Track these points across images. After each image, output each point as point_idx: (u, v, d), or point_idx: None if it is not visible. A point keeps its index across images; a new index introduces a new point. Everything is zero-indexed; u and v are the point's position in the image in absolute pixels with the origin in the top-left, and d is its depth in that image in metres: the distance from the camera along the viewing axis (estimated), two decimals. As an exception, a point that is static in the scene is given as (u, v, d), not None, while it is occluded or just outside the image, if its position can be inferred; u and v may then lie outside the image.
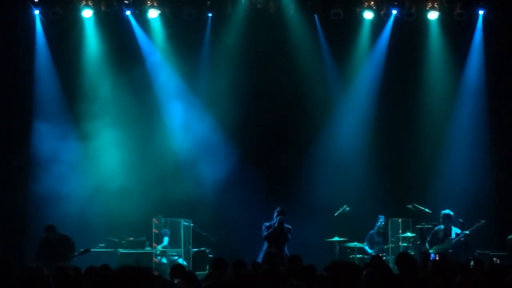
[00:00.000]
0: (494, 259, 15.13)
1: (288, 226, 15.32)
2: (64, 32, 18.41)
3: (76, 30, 18.41)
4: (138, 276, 5.44)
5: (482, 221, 16.26)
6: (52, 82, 18.41)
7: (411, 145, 18.86)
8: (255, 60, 18.46)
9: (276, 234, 15.08)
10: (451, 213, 16.38)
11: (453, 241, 16.12)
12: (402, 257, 9.25)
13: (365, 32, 18.96)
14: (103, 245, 17.04)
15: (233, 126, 18.32)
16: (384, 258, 15.50)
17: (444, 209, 16.60)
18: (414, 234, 16.95)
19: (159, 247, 16.97)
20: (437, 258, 14.71)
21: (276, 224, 15.15)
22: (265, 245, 15.19)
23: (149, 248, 17.05)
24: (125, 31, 18.50)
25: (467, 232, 16.07)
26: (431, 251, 15.71)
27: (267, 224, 15.33)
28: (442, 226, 16.45)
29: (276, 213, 15.28)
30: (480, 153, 18.64)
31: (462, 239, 16.08)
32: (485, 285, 6.98)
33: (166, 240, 17.07)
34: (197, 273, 12.85)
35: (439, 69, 19.00)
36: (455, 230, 16.34)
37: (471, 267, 10.55)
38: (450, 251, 16.03)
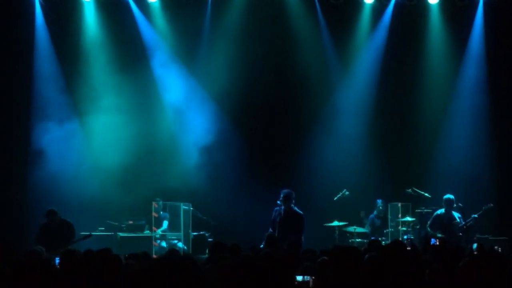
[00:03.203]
0: (496, 247, 15.05)
1: (299, 211, 14.61)
2: (64, 16, 18.34)
3: (75, 13, 18.35)
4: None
5: (490, 204, 16.21)
6: (51, 65, 18.34)
7: (411, 129, 18.86)
8: (254, 43, 18.38)
9: (282, 223, 14.49)
10: (453, 197, 16.29)
11: (460, 225, 16.03)
12: (395, 244, 9.23)
13: (366, 16, 18.89)
14: (102, 228, 17.04)
15: (233, 109, 18.29)
16: (383, 242, 15.49)
17: (444, 193, 16.56)
18: (413, 219, 16.95)
19: (159, 231, 16.97)
20: (437, 243, 14.66)
21: (282, 214, 14.58)
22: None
23: (148, 231, 17.05)
24: (124, 14, 18.43)
25: (475, 215, 16.01)
26: (438, 235, 15.62)
27: (277, 208, 14.77)
28: (443, 210, 16.36)
29: (281, 200, 14.61)
30: (481, 137, 18.62)
31: (471, 222, 16.00)
32: (490, 270, 6.97)
33: (165, 223, 17.07)
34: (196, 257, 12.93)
35: (439, 54, 18.94)
36: (456, 215, 16.28)
37: (474, 251, 10.53)
38: (460, 234, 15.97)
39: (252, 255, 10.08)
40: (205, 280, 6.93)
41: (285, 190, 14.70)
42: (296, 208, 14.67)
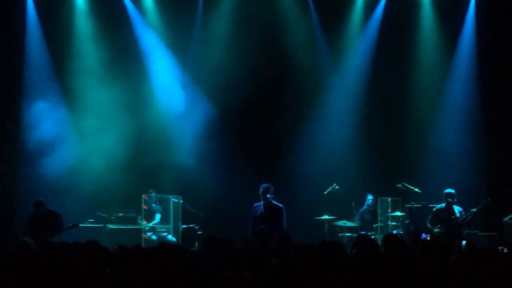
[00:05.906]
0: (500, 247, 14.88)
1: (279, 204, 14.56)
2: (55, 8, 18.26)
3: (67, 4, 18.30)
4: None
5: (488, 199, 16.07)
6: (42, 57, 18.28)
7: (402, 124, 18.90)
8: (246, 37, 18.32)
9: (263, 218, 14.38)
10: (453, 191, 15.98)
11: (460, 219, 15.82)
12: (388, 238, 9.23)
13: (358, 9, 18.93)
14: (92, 220, 17.00)
15: (223, 102, 18.24)
16: (372, 237, 15.50)
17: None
18: (403, 213, 16.95)
19: (150, 224, 16.90)
20: (428, 238, 14.60)
21: (262, 209, 14.52)
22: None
23: (144, 223, 16.93)
24: (116, 6, 18.39)
25: (474, 210, 15.88)
26: (435, 230, 15.53)
27: (257, 204, 14.75)
28: (443, 205, 16.07)
29: (260, 194, 14.60)
30: (472, 132, 18.64)
31: (470, 217, 15.84)
32: (479, 266, 6.97)
33: (158, 217, 17.00)
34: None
35: (431, 47, 18.98)
36: (457, 209, 16.00)
37: (463, 247, 10.52)
38: (466, 231, 15.80)
39: (244, 248, 10.06)
40: (195, 269, 6.91)
41: (264, 185, 14.63)
42: (275, 202, 14.59)
